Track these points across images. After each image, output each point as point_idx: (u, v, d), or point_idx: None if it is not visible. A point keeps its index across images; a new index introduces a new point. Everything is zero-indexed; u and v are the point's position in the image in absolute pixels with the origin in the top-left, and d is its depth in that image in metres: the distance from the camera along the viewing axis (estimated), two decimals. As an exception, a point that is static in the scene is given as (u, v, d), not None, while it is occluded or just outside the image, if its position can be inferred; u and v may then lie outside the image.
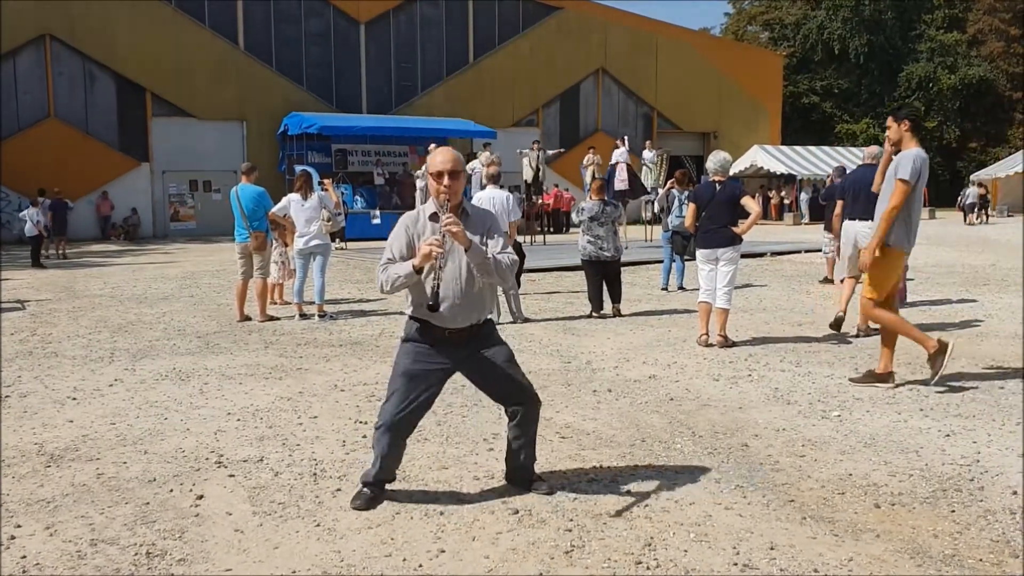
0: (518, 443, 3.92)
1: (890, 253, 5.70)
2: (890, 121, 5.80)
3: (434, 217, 3.65)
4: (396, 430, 3.74)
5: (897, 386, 5.86)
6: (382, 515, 3.70)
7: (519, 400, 3.86)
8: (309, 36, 27.78)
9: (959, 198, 31.45)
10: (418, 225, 3.69)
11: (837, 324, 7.81)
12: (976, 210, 28.96)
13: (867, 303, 5.89)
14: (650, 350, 7.36)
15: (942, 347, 5.67)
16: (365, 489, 3.84)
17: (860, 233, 7.80)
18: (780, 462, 4.37)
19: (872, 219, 7.57)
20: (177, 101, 26.04)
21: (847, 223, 8.12)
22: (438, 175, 3.63)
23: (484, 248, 3.64)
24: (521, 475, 3.99)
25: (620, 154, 17.22)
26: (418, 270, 3.57)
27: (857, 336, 7.80)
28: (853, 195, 8.07)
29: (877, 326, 7.77)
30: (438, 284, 3.55)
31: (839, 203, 8.29)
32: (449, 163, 3.62)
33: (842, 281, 8.39)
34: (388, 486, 3.93)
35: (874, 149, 8.48)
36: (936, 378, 5.73)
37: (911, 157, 5.53)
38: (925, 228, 22.05)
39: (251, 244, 9.13)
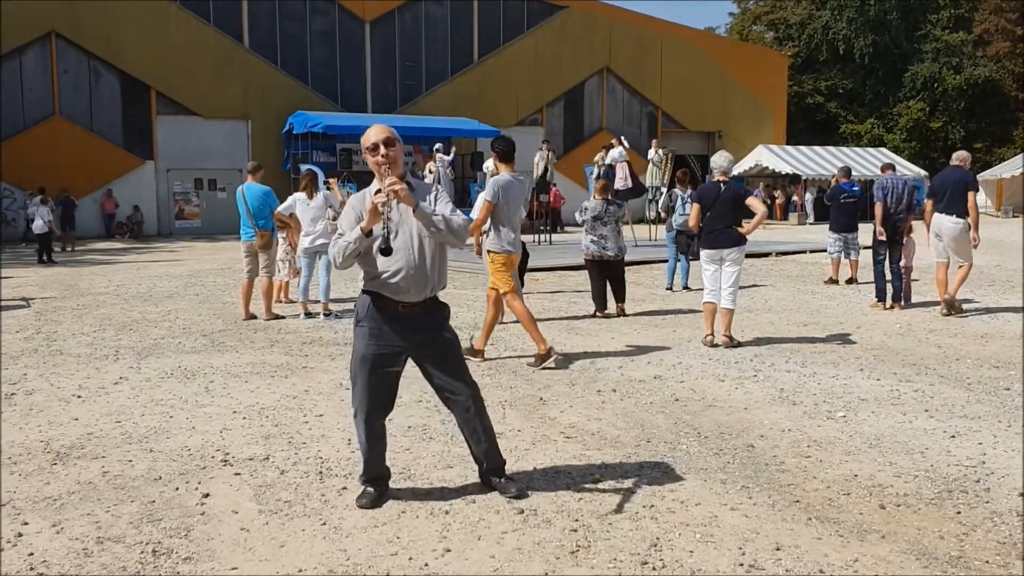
0: (486, 438, 3.90)
1: (492, 257, 6.81)
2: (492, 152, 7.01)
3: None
4: (369, 420, 3.76)
5: (566, 356, 6.87)
6: (388, 514, 3.71)
7: (470, 392, 3.85)
8: (314, 35, 27.81)
9: None
10: (365, 203, 3.65)
11: (949, 306, 9.03)
12: None
13: (507, 297, 6.82)
14: (655, 350, 7.36)
15: (548, 353, 6.63)
16: (370, 488, 3.85)
17: (943, 225, 8.92)
18: (785, 463, 4.37)
19: (956, 214, 8.77)
20: (182, 99, 26.09)
21: (936, 216, 9.02)
22: (373, 148, 3.61)
23: (432, 208, 3.64)
24: (494, 472, 3.95)
25: (619, 154, 17.18)
26: (367, 233, 3.56)
27: (948, 315, 8.94)
28: (941, 192, 8.96)
29: (952, 309, 8.99)
30: (388, 231, 3.51)
31: (929, 200, 9.19)
32: (382, 133, 3.62)
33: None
34: (393, 484, 3.94)
35: (962, 153, 9.28)
36: (536, 366, 6.62)
37: (492, 182, 6.78)
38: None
39: (257, 243, 9.14)
